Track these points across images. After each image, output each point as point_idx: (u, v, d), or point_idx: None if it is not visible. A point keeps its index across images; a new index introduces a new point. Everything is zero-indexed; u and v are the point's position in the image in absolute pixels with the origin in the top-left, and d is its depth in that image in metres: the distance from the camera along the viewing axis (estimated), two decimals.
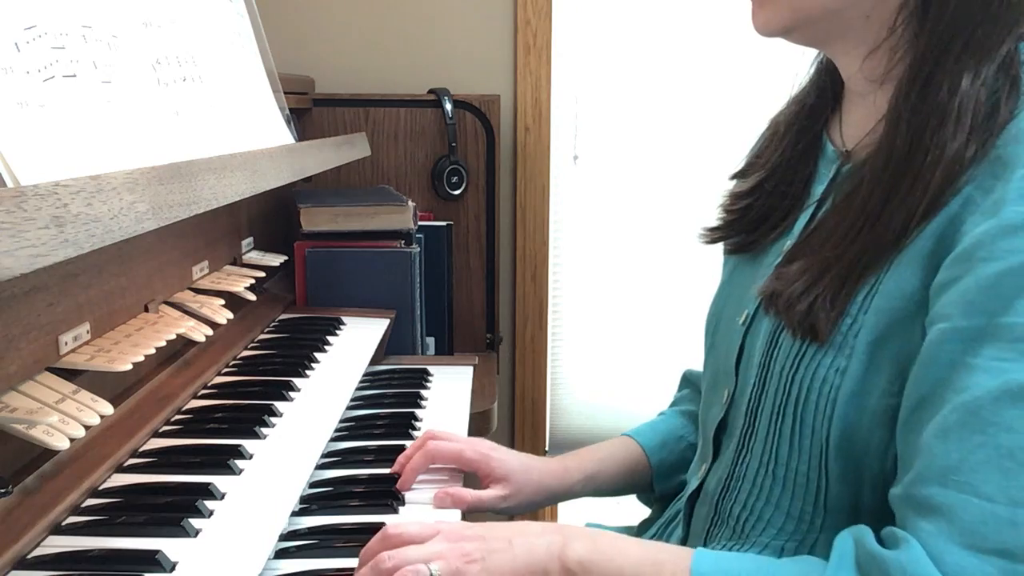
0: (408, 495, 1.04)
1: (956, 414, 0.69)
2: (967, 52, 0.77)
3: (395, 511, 1.01)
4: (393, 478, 1.06)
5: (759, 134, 1.06)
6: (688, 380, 1.21)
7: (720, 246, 1.05)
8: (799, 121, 0.96)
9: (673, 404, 1.21)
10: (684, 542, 0.98)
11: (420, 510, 1.02)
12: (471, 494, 1.02)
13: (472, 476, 1.08)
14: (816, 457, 0.81)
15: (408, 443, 1.18)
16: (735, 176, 1.04)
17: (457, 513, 1.01)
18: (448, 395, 1.40)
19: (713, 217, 1.04)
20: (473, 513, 1.03)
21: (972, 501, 0.67)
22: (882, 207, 0.78)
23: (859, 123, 0.89)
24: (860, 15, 0.83)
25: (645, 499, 1.19)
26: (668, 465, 1.12)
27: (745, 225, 0.98)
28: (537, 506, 1.09)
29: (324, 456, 1.11)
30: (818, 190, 0.91)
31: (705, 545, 0.92)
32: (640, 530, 1.13)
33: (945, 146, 0.76)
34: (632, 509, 1.21)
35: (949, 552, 0.66)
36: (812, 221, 0.89)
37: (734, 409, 0.92)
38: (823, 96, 0.95)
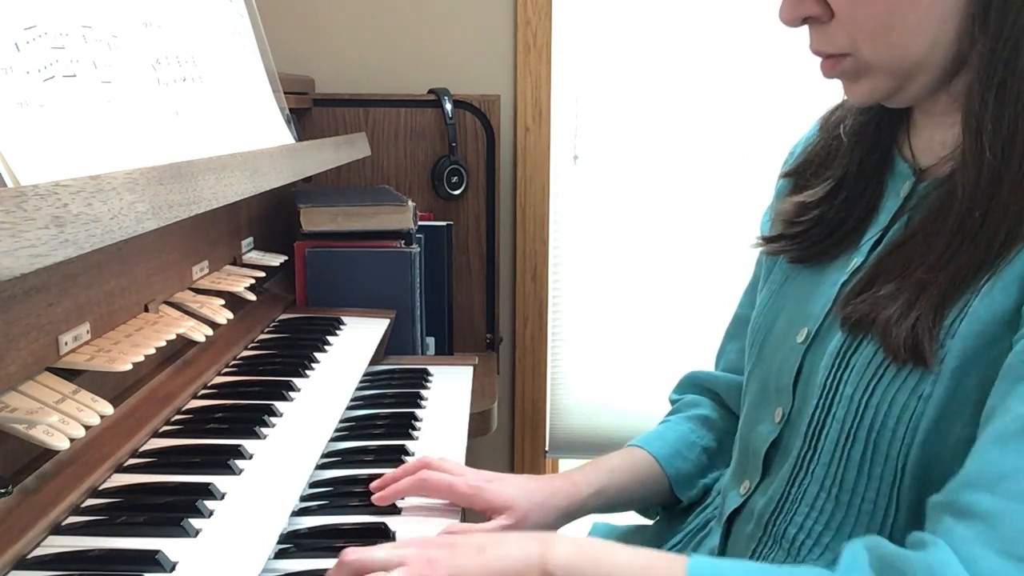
0: (409, 501, 1.03)
1: (1018, 423, 0.66)
2: None
3: (395, 511, 1.01)
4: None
5: (806, 134, 1.02)
6: (695, 383, 1.16)
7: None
8: (871, 131, 0.92)
9: (676, 410, 1.16)
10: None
11: (420, 512, 1.01)
12: (464, 528, 0.97)
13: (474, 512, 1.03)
14: (888, 485, 0.78)
15: (408, 443, 1.18)
16: (788, 175, 1.00)
17: None
18: (448, 395, 1.40)
19: (760, 223, 0.99)
20: None
21: (1021, 510, 0.64)
22: (980, 224, 0.75)
23: (935, 141, 0.86)
24: (937, 48, 0.80)
25: (645, 511, 1.15)
26: (685, 473, 1.08)
27: (814, 236, 0.93)
28: (550, 529, 1.02)
29: (324, 456, 1.11)
30: (889, 207, 0.88)
31: None
32: (661, 533, 1.10)
33: None
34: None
35: (984, 557, 0.63)
36: (882, 240, 0.86)
37: (790, 429, 0.88)
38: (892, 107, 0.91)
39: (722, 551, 0.95)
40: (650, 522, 1.16)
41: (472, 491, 0.99)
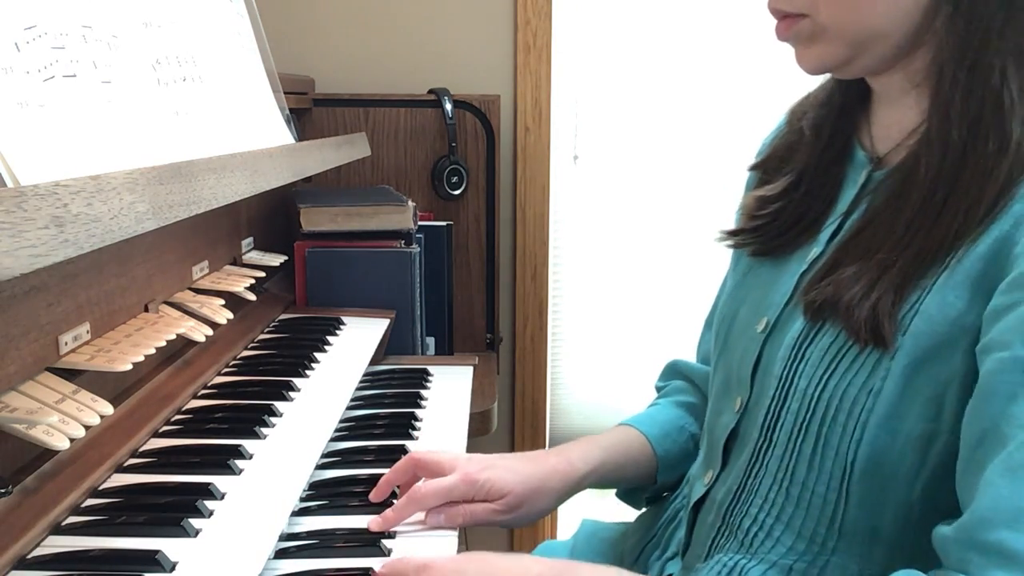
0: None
1: (1023, 452, 0.65)
2: (1008, 33, 0.75)
3: None
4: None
5: (776, 127, 1.02)
6: (678, 371, 1.18)
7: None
8: (830, 123, 0.93)
9: (664, 395, 1.17)
10: (686, 548, 0.96)
11: (419, 512, 1.01)
12: (464, 509, 0.97)
13: None
14: (837, 479, 0.78)
15: (408, 443, 1.18)
16: (755, 168, 1.01)
17: (454, 540, 0.96)
18: (448, 395, 1.40)
19: (734, 218, 1.00)
20: (472, 526, 0.98)
21: None
22: (943, 203, 0.75)
23: (893, 126, 0.86)
24: (901, 27, 0.80)
25: (629, 499, 1.16)
26: (672, 456, 1.09)
27: (773, 230, 0.94)
28: (547, 511, 1.03)
29: (324, 456, 1.11)
30: (847, 196, 0.89)
31: (709, 555, 0.90)
32: (639, 529, 1.12)
33: (1010, 134, 0.73)
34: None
35: None
36: (841, 229, 0.87)
37: (747, 419, 0.89)
38: (851, 95, 0.92)
39: (687, 542, 0.95)
40: (637, 512, 1.16)
41: (469, 488, 0.98)
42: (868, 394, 0.76)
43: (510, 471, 1.00)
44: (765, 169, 0.99)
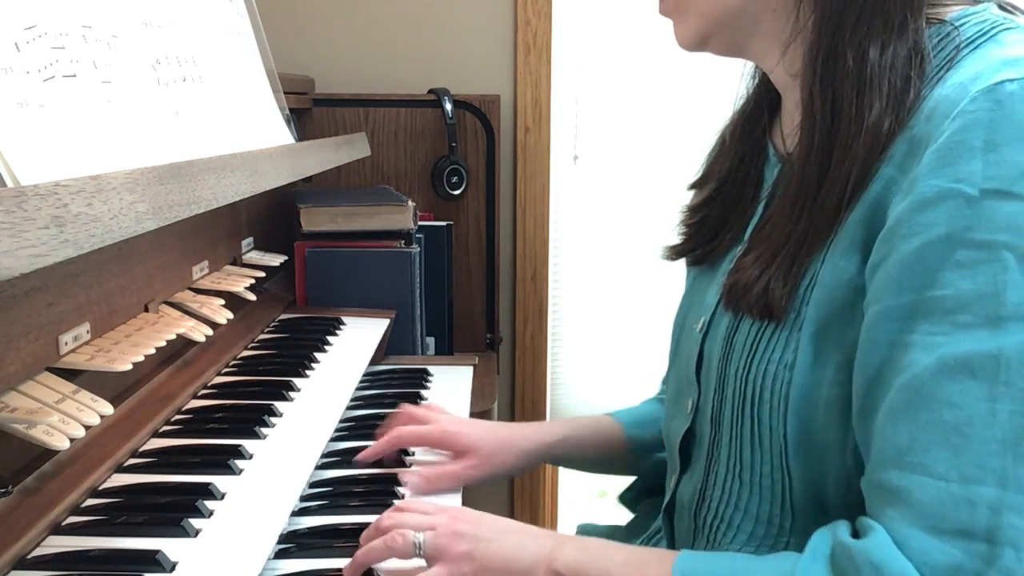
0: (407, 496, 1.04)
1: (901, 394, 0.69)
2: (863, 20, 0.78)
3: None
4: (392, 477, 1.06)
5: (710, 145, 1.06)
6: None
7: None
8: (740, 128, 0.98)
9: (659, 395, 1.24)
10: None
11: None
12: (432, 470, 1.08)
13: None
14: (777, 457, 0.81)
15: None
16: (692, 187, 1.05)
17: (458, 498, 1.04)
18: (448, 395, 1.40)
19: (674, 233, 1.05)
20: (453, 486, 1.07)
21: (926, 482, 0.67)
22: (819, 184, 0.79)
23: (795, 121, 0.88)
24: (765, 10, 0.84)
25: (628, 501, 1.19)
26: (642, 442, 1.14)
27: (703, 236, 0.99)
28: (516, 470, 1.11)
29: (324, 456, 1.11)
30: (764, 195, 0.92)
31: None
32: (627, 536, 1.13)
33: (864, 115, 0.76)
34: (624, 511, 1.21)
35: (913, 536, 0.66)
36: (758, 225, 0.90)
37: (700, 418, 0.92)
38: (760, 101, 0.96)
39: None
40: (632, 516, 1.19)
41: (442, 436, 1.11)
42: (785, 368, 0.79)
43: (482, 428, 1.12)
44: (699, 184, 1.04)
